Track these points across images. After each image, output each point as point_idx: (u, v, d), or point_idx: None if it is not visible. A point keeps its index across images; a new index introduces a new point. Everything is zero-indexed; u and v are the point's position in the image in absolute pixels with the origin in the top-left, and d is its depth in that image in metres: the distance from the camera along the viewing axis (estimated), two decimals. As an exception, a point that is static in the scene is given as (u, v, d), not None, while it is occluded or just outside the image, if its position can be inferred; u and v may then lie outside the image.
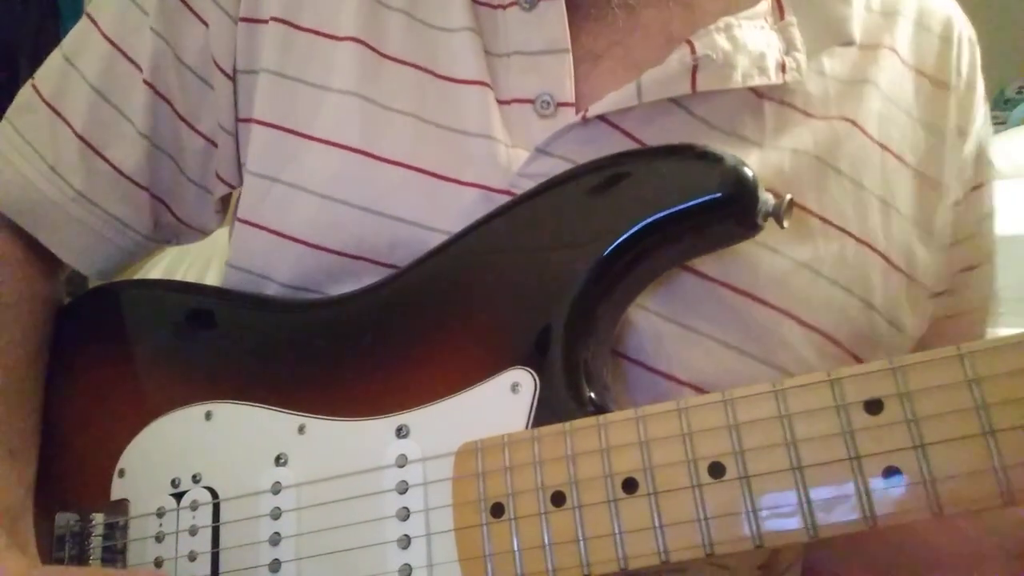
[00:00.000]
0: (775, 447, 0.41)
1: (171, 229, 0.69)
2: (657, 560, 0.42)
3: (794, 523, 0.40)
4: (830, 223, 0.55)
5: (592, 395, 0.48)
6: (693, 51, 0.53)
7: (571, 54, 0.56)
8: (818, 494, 0.40)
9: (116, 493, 0.56)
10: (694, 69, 0.53)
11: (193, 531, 0.52)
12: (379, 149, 0.56)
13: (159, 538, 0.53)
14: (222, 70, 0.61)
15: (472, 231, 0.53)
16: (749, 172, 0.48)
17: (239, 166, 0.63)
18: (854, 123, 0.58)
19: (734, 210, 0.48)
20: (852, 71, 0.59)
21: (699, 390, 0.52)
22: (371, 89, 0.57)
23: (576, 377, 0.48)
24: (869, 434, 0.40)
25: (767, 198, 0.48)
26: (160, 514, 0.54)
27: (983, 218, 0.64)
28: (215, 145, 0.64)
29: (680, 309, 0.53)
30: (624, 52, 0.57)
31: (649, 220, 0.48)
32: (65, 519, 0.56)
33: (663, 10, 0.57)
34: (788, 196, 0.48)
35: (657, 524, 0.42)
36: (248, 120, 0.61)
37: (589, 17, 0.57)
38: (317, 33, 0.59)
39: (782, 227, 0.49)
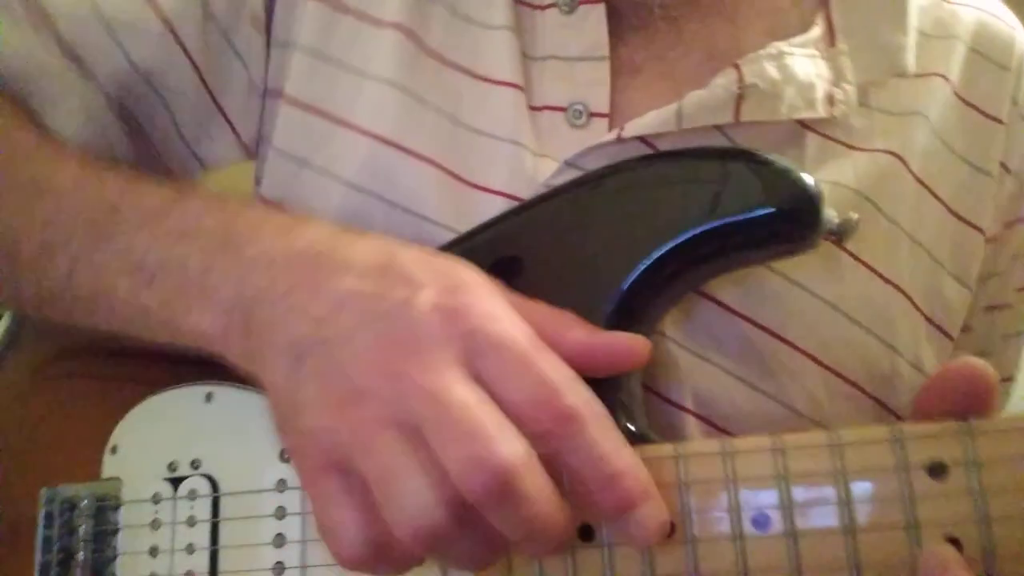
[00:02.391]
0: (826, 505, 0.39)
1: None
2: (690, 612, 0.40)
3: (841, 586, 0.38)
4: (860, 261, 0.52)
5: (630, 426, 0.45)
6: (740, 78, 0.50)
7: (609, 63, 0.53)
8: (869, 563, 0.38)
9: (108, 471, 0.53)
10: (739, 98, 0.50)
11: (191, 522, 0.50)
12: (411, 143, 0.53)
13: (155, 525, 0.50)
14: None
15: (491, 228, 0.49)
16: (813, 186, 0.44)
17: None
18: (899, 157, 0.54)
19: (791, 227, 0.45)
20: (902, 102, 0.55)
21: (706, 421, 0.50)
22: (410, 81, 0.54)
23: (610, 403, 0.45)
24: (930, 501, 0.38)
25: (830, 215, 0.45)
26: (156, 500, 0.51)
27: (1017, 255, 0.60)
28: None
29: (697, 338, 0.50)
30: (664, 67, 0.54)
31: (694, 232, 0.45)
32: (53, 494, 0.53)
33: (706, 25, 0.54)
34: (856, 216, 0.45)
35: (691, 571, 0.40)
36: (275, 93, 0.57)
37: (630, 27, 0.54)
38: (362, 16, 0.56)
39: (842, 247, 0.45)
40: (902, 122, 0.55)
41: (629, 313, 0.45)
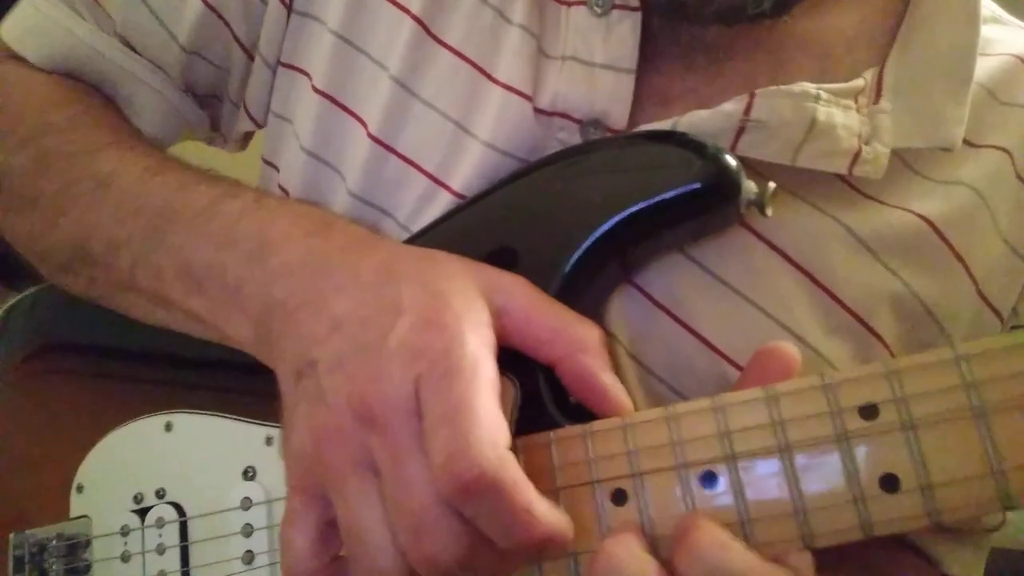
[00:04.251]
0: (767, 455, 0.40)
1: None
2: (650, 572, 0.41)
3: (790, 532, 0.40)
4: (846, 308, 0.50)
5: (575, 400, 0.46)
6: (748, 109, 0.47)
7: (634, 77, 0.50)
8: (813, 502, 0.39)
9: (76, 510, 0.54)
10: (740, 130, 0.48)
11: (161, 550, 0.50)
12: (414, 155, 0.52)
13: (125, 558, 0.51)
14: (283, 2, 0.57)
15: (442, 223, 0.50)
16: (731, 161, 0.46)
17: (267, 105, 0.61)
18: (931, 224, 0.50)
19: (715, 199, 0.47)
20: (949, 171, 0.52)
21: (713, 348, 0.49)
22: (416, 81, 0.52)
23: (558, 381, 0.46)
24: (866, 441, 0.39)
25: (749, 187, 0.47)
26: (124, 532, 0.51)
27: None
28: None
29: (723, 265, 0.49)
30: (698, 102, 0.50)
31: (623, 215, 0.46)
32: (22, 539, 0.53)
33: (750, 62, 0.51)
34: (772, 184, 0.47)
35: (648, 537, 0.41)
36: (295, 69, 0.57)
37: (666, 55, 0.51)
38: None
39: (765, 216, 0.47)
40: (943, 190, 0.51)
41: (572, 297, 0.47)
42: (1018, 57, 0.55)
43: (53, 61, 0.60)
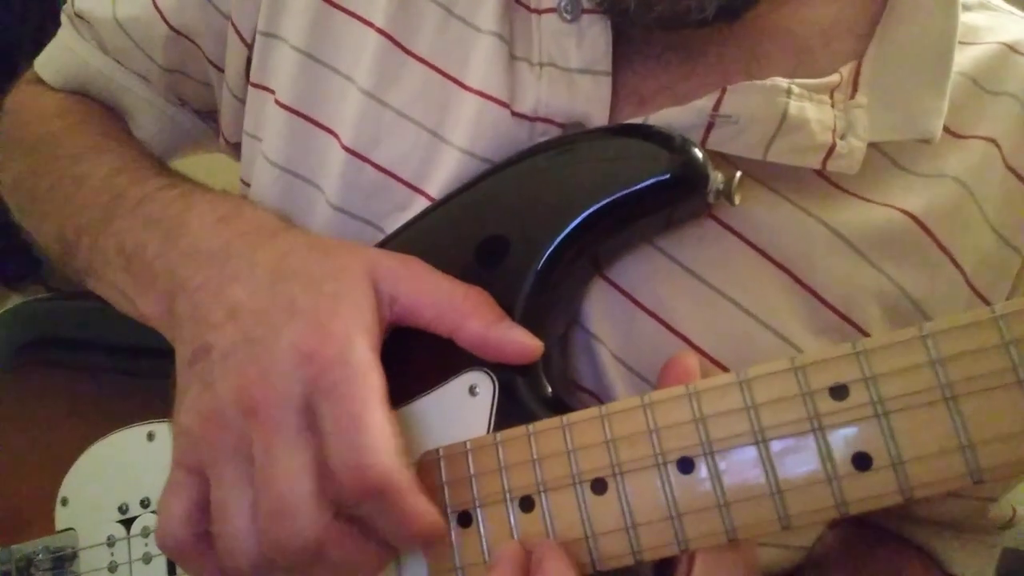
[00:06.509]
0: (742, 438, 0.41)
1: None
2: (631, 560, 0.42)
3: (767, 514, 0.40)
4: (830, 307, 0.50)
5: (552, 391, 0.47)
6: (718, 104, 0.47)
7: (611, 79, 0.50)
8: (789, 483, 0.40)
9: (61, 523, 0.54)
10: (710, 125, 0.48)
11: (147, 559, 0.51)
12: (390, 165, 0.52)
13: (112, 568, 0.51)
14: (240, 35, 0.58)
15: (414, 225, 0.51)
16: (698, 152, 0.47)
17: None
18: (917, 220, 0.50)
19: (683, 190, 0.47)
20: (934, 164, 0.51)
21: (699, 350, 0.49)
22: (387, 92, 0.53)
23: (535, 374, 0.47)
24: (837, 420, 0.40)
25: (716, 177, 0.47)
26: (111, 543, 0.52)
27: None
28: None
29: (692, 256, 0.50)
30: (674, 101, 0.50)
31: (593, 208, 0.47)
32: (8, 553, 0.54)
33: (723, 58, 0.51)
34: (739, 173, 0.47)
35: (629, 524, 0.42)
36: (263, 88, 0.58)
37: (639, 54, 0.51)
38: (353, 15, 0.54)
39: (733, 204, 0.48)
40: (927, 184, 0.51)
41: (546, 293, 0.47)
42: (1005, 45, 0.55)
43: (64, 80, 0.67)
